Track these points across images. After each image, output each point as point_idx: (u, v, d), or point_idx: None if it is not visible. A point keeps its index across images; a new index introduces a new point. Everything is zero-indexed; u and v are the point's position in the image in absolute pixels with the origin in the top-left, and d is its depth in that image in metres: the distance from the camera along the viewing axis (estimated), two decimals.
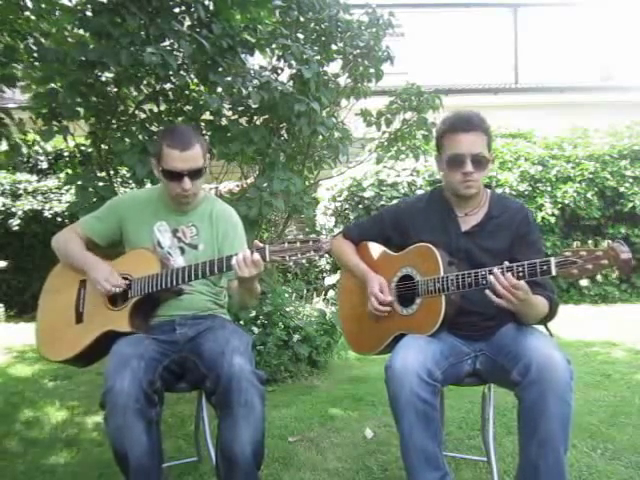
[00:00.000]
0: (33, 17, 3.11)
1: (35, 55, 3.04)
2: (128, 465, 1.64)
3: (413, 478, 1.65)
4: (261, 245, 1.69)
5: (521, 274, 1.59)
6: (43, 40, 3.11)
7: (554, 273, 1.52)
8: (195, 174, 1.88)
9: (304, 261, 1.65)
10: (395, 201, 5.88)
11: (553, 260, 1.52)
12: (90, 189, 3.01)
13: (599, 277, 6.11)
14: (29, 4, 3.06)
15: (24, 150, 3.46)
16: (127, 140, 2.96)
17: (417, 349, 1.68)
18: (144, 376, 1.64)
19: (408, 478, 1.68)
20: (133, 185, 3.54)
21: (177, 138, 1.85)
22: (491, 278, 1.62)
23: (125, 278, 1.90)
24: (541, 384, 1.55)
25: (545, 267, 1.53)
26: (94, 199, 2.94)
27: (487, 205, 1.91)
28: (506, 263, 1.62)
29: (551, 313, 1.76)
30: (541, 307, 1.71)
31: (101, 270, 1.88)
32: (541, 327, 1.82)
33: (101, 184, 3.06)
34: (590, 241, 1.51)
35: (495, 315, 1.82)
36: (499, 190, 6.20)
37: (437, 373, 1.66)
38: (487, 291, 1.64)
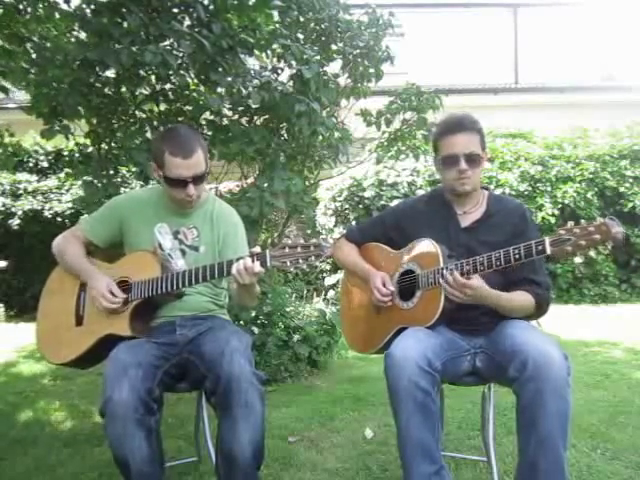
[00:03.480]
0: (30, 20, 3.10)
1: (34, 57, 3.04)
2: (129, 472, 1.64)
3: (408, 470, 1.65)
4: (258, 251, 1.69)
5: (517, 256, 1.62)
6: (42, 43, 3.11)
7: (549, 252, 1.55)
8: (199, 179, 1.88)
9: (305, 266, 1.65)
10: (395, 201, 5.89)
11: (547, 239, 1.55)
12: (97, 185, 3.01)
13: (599, 277, 6.16)
14: (26, 5, 3.06)
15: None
16: (138, 138, 2.97)
17: (417, 340, 1.70)
18: (142, 385, 1.64)
19: (403, 471, 1.68)
20: (133, 185, 3.54)
21: (179, 145, 1.83)
22: (442, 281, 1.73)
23: (125, 281, 1.89)
24: (538, 380, 1.56)
25: (540, 247, 1.57)
26: (101, 196, 2.94)
27: (485, 204, 1.96)
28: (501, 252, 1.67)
29: (539, 309, 1.82)
30: (515, 303, 1.79)
31: (99, 283, 1.86)
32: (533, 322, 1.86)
33: (105, 181, 3.07)
34: (583, 220, 1.55)
35: (494, 310, 1.84)
36: (499, 190, 6.21)
37: (437, 363, 1.67)
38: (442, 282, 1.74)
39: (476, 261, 1.70)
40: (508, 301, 1.78)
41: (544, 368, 1.56)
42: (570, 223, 1.54)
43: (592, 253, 1.50)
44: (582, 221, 1.53)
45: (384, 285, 1.93)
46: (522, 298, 1.80)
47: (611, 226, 1.46)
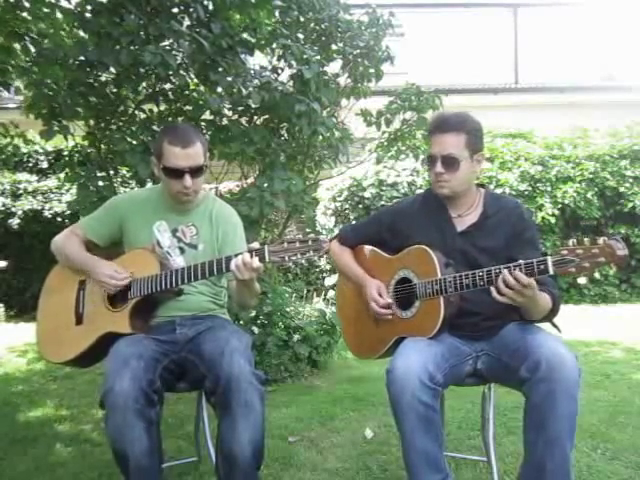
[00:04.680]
0: (30, 18, 3.10)
1: (33, 56, 3.04)
2: (128, 465, 1.63)
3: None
4: (256, 247, 1.69)
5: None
6: (41, 40, 3.11)
7: (551, 272, 1.51)
8: (196, 172, 1.87)
9: (303, 261, 1.65)
10: (394, 201, 5.88)
11: (550, 259, 1.50)
12: (91, 188, 3.01)
13: (599, 277, 6.16)
14: (26, 4, 3.06)
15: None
16: (129, 140, 2.96)
17: (418, 352, 1.67)
18: (144, 376, 1.64)
19: None
20: (133, 185, 3.55)
21: (178, 135, 1.85)
22: (502, 276, 1.57)
23: None
24: (550, 382, 1.54)
25: (542, 266, 1.52)
26: (94, 198, 2.94)
27: (482, 205, 1.89)
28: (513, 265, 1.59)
29: (554, 309, 1.74)
30: (544, 303, 1.70)
31: (103, 268, 1.89)
32: (547, 324, 1.81)
33: (101, 183, 3.06)
34: (587, 239, 1.48)
35: (496, 315, 1.81)
36: (499, 190, 6.21)
37: (438, 376, 1.64)
38: (492, 288, 1.62)
39: (475, 275, 1.66)
40: (542, 299, 1.68)
41: (557, 370, 1.55)
42: (572, 241, 1.47)
43: (599, 277, 1.46)
44: (585, 240, 1.46)
45: (381, 296, 1.88)
46: (546, 299, 1.71)
47: (616, 248, 1.40)
